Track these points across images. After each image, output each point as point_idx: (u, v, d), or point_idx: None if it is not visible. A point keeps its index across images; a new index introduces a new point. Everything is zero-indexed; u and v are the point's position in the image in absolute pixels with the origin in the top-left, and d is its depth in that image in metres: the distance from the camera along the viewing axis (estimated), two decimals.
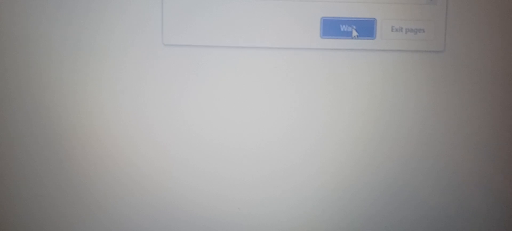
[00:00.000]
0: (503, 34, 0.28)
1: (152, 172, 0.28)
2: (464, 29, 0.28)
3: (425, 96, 0.28)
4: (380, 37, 0.28)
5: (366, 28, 0.27)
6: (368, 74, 0.28)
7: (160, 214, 0.29)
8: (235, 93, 0.28)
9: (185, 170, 0.28)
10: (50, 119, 0.28)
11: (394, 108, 0.28)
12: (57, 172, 0.28)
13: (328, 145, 0.28)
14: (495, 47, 0.28)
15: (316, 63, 0.28)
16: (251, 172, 0.28)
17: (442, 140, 0.28)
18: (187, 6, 0.27)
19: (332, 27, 0.27)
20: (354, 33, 0.27)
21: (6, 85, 0.27)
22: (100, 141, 0.28)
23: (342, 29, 0.27)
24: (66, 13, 0.27)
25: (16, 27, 0.27)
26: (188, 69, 0.27)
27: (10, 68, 0.27)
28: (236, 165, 0.28)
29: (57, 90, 0.27)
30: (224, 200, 0.29)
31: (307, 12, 0.27)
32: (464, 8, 0.27)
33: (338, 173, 0.29)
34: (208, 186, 0.28)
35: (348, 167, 0.29)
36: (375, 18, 0.27)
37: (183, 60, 0.27)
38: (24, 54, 0.27)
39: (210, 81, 0.28)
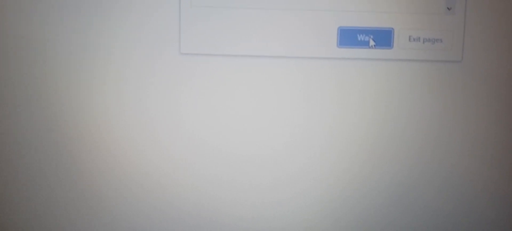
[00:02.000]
0: None
1: (165, 179, 0.28)
2: (482, 39, 0.27)
3: (443, 106, 0.28)
4: (397, 47, 0.27)
5: (383, 38, 0.27)
6: (385, 84, 0.28)
7: (168, 218, 0.29)
8: (252, 103, 0.28)
9: (201, 177, 0.28)
10: (62, 124, 0.28)
11: (411, 118, 0.28)
12: (63, 174, 0.28)
13: (345, 153, 0.28)
14: None
15: (333, 73, 0.28)
16: (269, 177, 0.28)
17: (459, 150, 0.28)
18: (204, 16, 0.27)
19: (349, 37, 0.27)
20: (371, 42, 0.27)
21: (11, 87, 0.27)
22: (115, 148, 0.28)
23: (359, 39, 0.27)
24: (83, 19, 0.27)
25: (25, 31, 0.27)
26: (205, 78, 0.27)
27: (15, 70, 0.27)
28: (254, 171, 0.28)
29: (75, 97, 0.27)
30: (240, 205, 0.29)
31: (324, 22, 0.27)
32: (482, 18, 0.27)
33: (353, 180, 0.29)
34: (223, 192, 0.28)
35: (365, 175, 0.29)
36: (392, 28, 0.27)
37: (200, 69, 0.27)
38: (35, 60, 0.27)
39: (227, 90, 0.28)
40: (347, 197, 0.29)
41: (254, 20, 0.27)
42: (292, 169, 0.28)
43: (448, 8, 0.27)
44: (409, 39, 0.27)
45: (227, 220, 0.29)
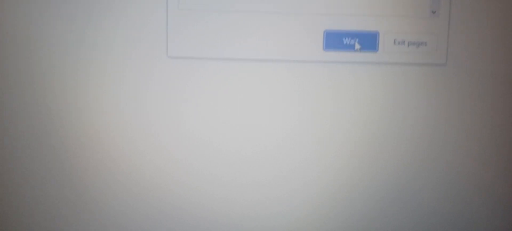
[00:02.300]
0: (505, 47, 0.28)
1: (155, 179, 0.28)
2: (466, 43, 0.28)
3: (427, 109, 0.28)
4: (382, 50, 0.28)
5: (368, 41, 0.28)
6: (371, 86, 0.28)
7: (162, 216, 0.29)
8: (238, 105, 0.28)
9: (189, 176, 0.29)
10: (53, 126, 0.28)
11: (396, 120, 0.28)
12: (58, 175, 0.28)
13: (330, 154, 0.29)
14: (496, 60, 0.28)
15: (319, 76, 0.28)
16: (253, 178, 0.29)
17: (444, 151, 0.29)
18: (191, 19, 0.27)
19: (335, 40, 0.28)
20: (357, 46, 0.28)
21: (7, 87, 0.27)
22: (103, 149, 0.28)
23: (345, 42, 0.28)
24: (69, 21, 0.27)
25: (19, 30, 0.27)
26: (192, 81, 0.28)
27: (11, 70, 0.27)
28: (239, 172, 0.29)
29: (60, 98, 0.28)
30: (226, 202, 0.29)
31: (310, 25, 0.27)
32: (466, 21, 0.28)
33: (338, 181, 0.29)
34: (210, 189, 0.29)
35: (350, 176, 0.29)
36: (377, 31, 0.28)
37: (187, 72, 0.28)
38: (25, 60, 0.27)
39: (214, 93, 0.28)
40: (335, 199, 0.29)
41: (241, 23, 0.27)
42: (278, 170, 0.29)
43: (432, 11, 0.28)
44: (394, 43, 0.28)
45: (216, 220, 0.29)
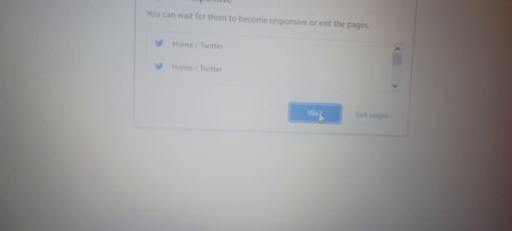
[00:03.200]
0: (462, 120, 0.29)
1: None
2: (425, 115, 0.29)
3: (388, 177, 0.29)
4: (345, 122, 0.29)
5: (332, 113, 0.29)
6: (334, 156, 0.29)
7: None
8: (205, 175, 0.28)
9: None
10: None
11: (358, 189, 0.29)
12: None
13: (293, 220, 0.29)
14: (454, 132, 0.29)
15: (284, 146, 0.29)
16: None
17: (402, 221, 0.29)
18: (158, 90, 0.28)
19: (299, 112, 0.28)
20: (321, 117, 0.28)
21: None
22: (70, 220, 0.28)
23: (309, 114, 0.28)
24: (39, 90, 0.27)
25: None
26: (159, 150, 0.28)
27: None
28: None
29: (24, 169, 0.28)
30: None
31: (276, 97, 0.28)
32: (426, 95, 0.29)
33: None
34: None
35: None
36: (340, 104, 0.28)
37: (154, 143, 0.28)
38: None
39: (180, 163, 0.28)
40: None
41: (208, 95, 0.28)
42: None
43: (393, 85, 0.29)
44: (357, 115, 0.29)
45: None
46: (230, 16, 0.27)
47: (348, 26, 0.28)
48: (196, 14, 0.27)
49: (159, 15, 0.27)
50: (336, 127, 0.29)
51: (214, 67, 0.28)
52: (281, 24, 0.28)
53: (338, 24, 0.28)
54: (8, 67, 0.27)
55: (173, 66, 0.27)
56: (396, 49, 0.28)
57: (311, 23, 0.28)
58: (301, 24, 0.28)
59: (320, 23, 0.28)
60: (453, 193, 0.29)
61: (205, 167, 0.28)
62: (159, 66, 0.27)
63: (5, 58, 0.26)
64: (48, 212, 0.28)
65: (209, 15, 0.27)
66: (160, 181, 0.28)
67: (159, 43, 0.27)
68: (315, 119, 0.28)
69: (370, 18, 0.28)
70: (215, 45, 0.27)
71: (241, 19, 0.27)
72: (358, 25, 0.28)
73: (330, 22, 0.28)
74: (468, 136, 0.29)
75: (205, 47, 0.27)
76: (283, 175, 0.29)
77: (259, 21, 0.28)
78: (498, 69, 0.29)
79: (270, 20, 0.28)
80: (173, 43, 0.27)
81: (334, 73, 0.28)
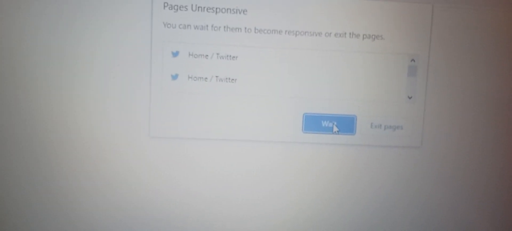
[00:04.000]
0: (478, 132, 0.29)
1: None
2: (440, 126, 0.29)
3: (402, 189, 0.29)
4: (360, 133, 0.29)
5: (346, 124, 0.29)
6: (348, 167, 0.29)
7: None
8: (219, 184, 0.29)
9: None
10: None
11: (373, 200, 0.29)
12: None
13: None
14: (468, 144, 0.29)
15: (298, 156, 0.29)
16: None
17: None
18: (174, 100, 0.28)
19: (314, 123, 0.28)
20: (335, 128, 0.29)
21: None
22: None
23: (323, 125, 0.29)
24: (53, 106, 0.27)
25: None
26: (174, 160, 0.28)
27: None
28: None
29: (47, 180, 0.28)
30: None
31: (290, 108, 0.28)
32: (441, 106, 0.29)
33: None
34: None
35: None
36: (355, 115, 0.28)
37: (169, 152, 0.28)
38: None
39: (195, 173, 0.28)
40: None
41: (223, 105, 0.28)
42: None
43: (408, 97, 0.28)
44: (371, 126, 0.29)
45: None
46: (245, 28, 0.28)
47: (363, 38, 0.28)
48: (212, 26, 0.27)
49: (175, 27, 0.27)
50: (350, 138, 0.29)
51: (229, 78, 0.28)
52: (296, 35, 0.28)
53: (354, 36, 0.28)
54: (27, 78, 0.27)
55: (188, 77, 0.28)
56: (411, 61, 0.28)
57: (326, 34, 0.28)
58: (316, 35, 0.28)
59: (335, 35, 0.28)
60: (467, 204, 0.29)
61: (220, 177, 0.29)
62: (175, 77, 0.28)
63: (24, 68, 0.27)
64: (64, 222, 0.28)
65: (224, 27, 0.27)
66: (175, 190, 0.28)
67: (175, 54, 0.27)
68: (329, 130, 0.29)
69: (386, 29, 0.28)
70: (230, 56, 0.28)
71: (256, 30, 0.28)
72: (373, 36, 0.28)
73: (345, 33, 0.28)
74: (483, 148, 0.29)
75: (220, 58, 0.28)
76: (297, 185, 0.29)
77: (274, 33, 0.28)
78: None
79: (285, 31, 0.28)
80: (189, 54, 0.28)
81: (348, 84, 0.28)
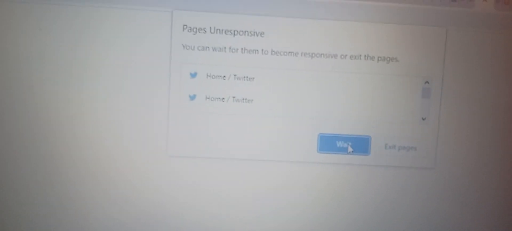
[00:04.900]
0: (491, 154, 0.29)
1: None
2: (454, 148, 0.29)
3: (416, 210, 0.29)
4: (374, 154, 0.29)
5: (361, 145, 0.29)
6: (363, 187, 0.29)
7: None
8: (236, 203, 0.29)
9: None
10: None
11: (386, 221, 0.29)
12: None
13: None
14: (482, 166, 0.29)
15: (313, 176, 0.29)
16: None
17: None
18: (192, 120, 0.28)
19: (328, 143, 0.29)
20: (350, 149, 0.29)
21: None
22: None
23: (338, 145, 0.29)
24: (72, 124, 0.28)
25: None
26: (191, 179, 0.29)
27: None
28: None
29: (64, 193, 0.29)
30: None
31: (306, 128, 0.29)
32: (455, 127, 0.29)
33: None
34: None
35: None
36: (369, 136, 0.29)
37: (186, 171, 0.29)
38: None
39: (211, 191, 0.29)
40: None
41: (240, 125, 0.29)
42: None
43: (422, 118, 0.29)
44: (385, 147, 0.29)
45: None
46: (262, 50, 0.28)
47: (378, 60, 0.28)
48: (230, 48, 0.28)
49: (194, 49, 0.28)
50: (364, 159, 0.29)
51: (246, 99, 0.28)
52: (312, 57, 0.28)
53: (369, 58, 0.28)
54: (46, 97, 0.28)
55: (206, 97, 0.28)
56: (425, 83, 0.29)
57: (342, 56, 0.28)
58: (331, 57, 0.28)
59: (350, 57, 0.28)
60: (481, 226, 0.30)
61: (236, 195, 0.29)
62: (192, 97, 0.28)
63: (43, 87, 0.28)
64: None
65: (242, 49, 0.28)
66: (192, 209, 0.29)
67: (194, 75, 0.28)
68: (344, 150, 0.29)
69: (400, 52, 0.28)
70: (247, 77, 0.28)
71: (273, 52, 0.28)
72: (388, 59, 0.28)
73: (360, 55, 0.28)
74: (497, 170, 0.29)
75: (237, 79, 0.28)
76: (312, 205, 0.29)
77: (291, 55, 0.28)
78: None
79: (301, 53, 0.28)
80: (207, 75, 0.28)
81: (363, 105, 0.29)
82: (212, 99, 0.28)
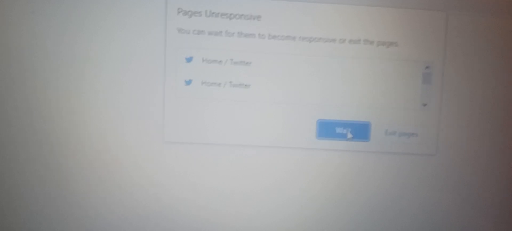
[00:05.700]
0: (493, 140, 0.29)
1: None
2: (455, 134, 0.29)
3: (416, 197, 0.29)
4: (374, 140, 0.28)
5: (360, 131, 0.28)
6: (362, 174, 0.29)
7: None
8: (233, 190, 0.28)
9: None
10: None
11: (387, 208, 0.29)
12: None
13: None
14: (484, 152, 0.29)
15: (312, 163, 0.29)
16: None
17: None
18: (188, 106, 0.28)
19: (327, 129, 0.28)
20: (349, 135, 0.28)
21: None
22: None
23: (337, 131, 0.28)
24: (68, 111, 0.28)
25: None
26: (188, 166, 0.28)
27: None
28: None
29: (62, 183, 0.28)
30: None
31: (304, 114, 0.28)
32: (456, 113, 0.28)
33: None
34: None
35: None
36: (369, 122, 0.28)
37: (182, 157, 0.28)
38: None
39: (208, 178, 0.28)
40: None
41: (237, 111, 0.28)
42: None
43: (423, 104, 0.28)
44: (386, 133, 0.28)
45: None
46: (259, 34, 0.28)
47: (377, 45, 0.28)
48: (226, 32, 0.27)
49: (189, 33, 0.27)
50: (364, 145, 0.28)
51: (243, 84, 0.28)
52: (310, 41, 0.28)
53: (368, 42, 0.28)
54: (39, 84, 0.27)
55: (202, 82, 0.28)
56: (426, 68, 0.28)
57: (340, 41, 0.28)
58: (330, 42, 0.28)
59: (349, 41, 0.28)
60: (482, 212, 0.29)
61: (233, 182, 0.28)
62: (188, 82, 0.28)
63: (35, 74, 0.27)
64: (78, 226, 0.28)
65: (238, 33, 0.27)
66: (188, 195, 0.28)
67: (189, 59, 0.28)
68: (343, 137, 0.28)
69: (400, 36, 0.28)
70: (244, 62, 0.28)
71: (270, 36, 0.28)
72: (388, 43, 0.28)
73: (359, 40, 0.28)
74: (498, 155, 0.29)
75: (234, 64, 0.28)
76: (310, 191, 0.29)
77: (288, 39, 0.28)
78: None
79: (299, 37, 0.28)
80: (203, 60, 0.28)
81: (363, 91, 0.28)
82: (208, 84, 0.28)
